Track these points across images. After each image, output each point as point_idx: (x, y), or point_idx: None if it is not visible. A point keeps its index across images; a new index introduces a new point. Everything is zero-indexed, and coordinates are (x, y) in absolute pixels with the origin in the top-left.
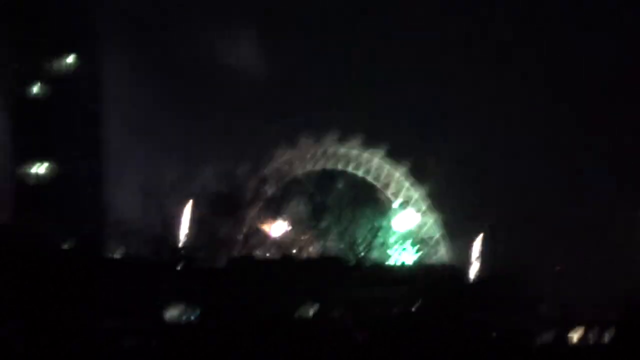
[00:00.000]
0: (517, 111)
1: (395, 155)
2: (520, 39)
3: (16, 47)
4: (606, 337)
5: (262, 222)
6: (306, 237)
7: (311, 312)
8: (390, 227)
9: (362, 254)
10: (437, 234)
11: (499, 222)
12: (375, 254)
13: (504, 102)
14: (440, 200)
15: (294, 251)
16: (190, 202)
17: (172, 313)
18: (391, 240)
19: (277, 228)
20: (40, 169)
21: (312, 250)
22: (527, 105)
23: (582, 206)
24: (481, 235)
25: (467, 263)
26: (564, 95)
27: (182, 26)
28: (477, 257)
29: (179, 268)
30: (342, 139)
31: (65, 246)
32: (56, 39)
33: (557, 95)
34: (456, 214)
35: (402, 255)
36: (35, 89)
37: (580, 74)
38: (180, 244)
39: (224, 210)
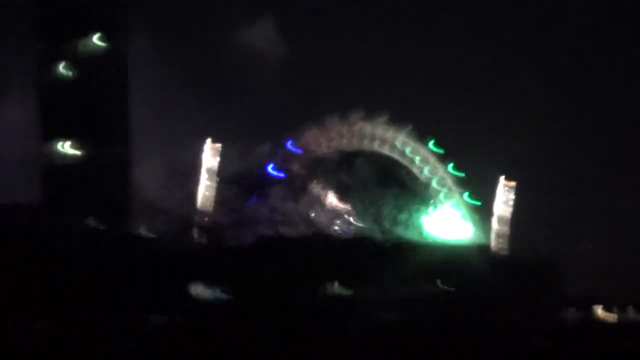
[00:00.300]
0: (538, 84)
1: (420, 132)
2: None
3: (43, 27)
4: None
5: (288, 200)
6: (332, 214)
7: (338, 290)
8: (416, 204)
9: (389, 230)
10: (463, 210)
11: (526, 201)
12: (401, 231)
13: (526, 79)
14: (467, 177)
15: (320, 228)
16: (217, 180)
17: (199, 291)
18: (417, 216)
19: (302, 206)
20: (66, 149)
21: (338, 227)
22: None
23: (611, 186)
24: (507, 212)
25: (492, 240)
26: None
27: (207, 5)
28: (503, 235)
29: (205, 246)
30: (368, 116)
31: (92, 226)
32: (83, 19)
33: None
34: (483, 191)
35: (429, 231)
36: (62, 69)
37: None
38: (206, 223)
39: (250, 189)
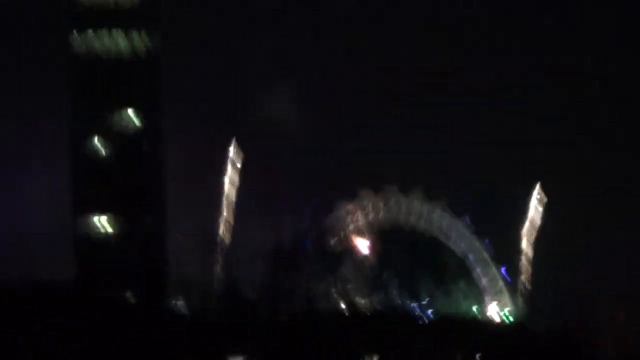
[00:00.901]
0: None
1: (455, 208)
2: None
3: (78, 101)
4: None
5: (324, 274)
6: (368, 288)
7: None
8: (452, 279)
9: (425, 305)
10: (500, 284)
11: (561, 270)
12: (438, 306)
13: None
14: (502, 251)
15: (357, 303)
16: (253, 256)
17: None
18: (454, 291)
19: (339, 279)
20: (101, 223)
21: (375, 302)
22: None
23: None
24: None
25: (529, 314)
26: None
27: (239, 80)
28: (539, 308)
29: (241, 322)
30: (403, 190)
31: (128, 300)
32: (118, 94)
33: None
34: (518, 264)
35: (466, 307)
36: (97, 143)
37: None
38: (242, 298)
39: (286, 264)
